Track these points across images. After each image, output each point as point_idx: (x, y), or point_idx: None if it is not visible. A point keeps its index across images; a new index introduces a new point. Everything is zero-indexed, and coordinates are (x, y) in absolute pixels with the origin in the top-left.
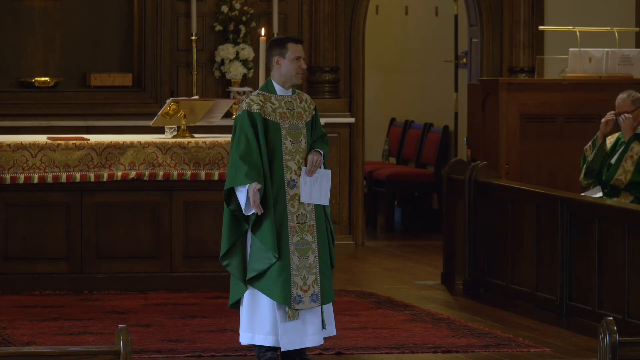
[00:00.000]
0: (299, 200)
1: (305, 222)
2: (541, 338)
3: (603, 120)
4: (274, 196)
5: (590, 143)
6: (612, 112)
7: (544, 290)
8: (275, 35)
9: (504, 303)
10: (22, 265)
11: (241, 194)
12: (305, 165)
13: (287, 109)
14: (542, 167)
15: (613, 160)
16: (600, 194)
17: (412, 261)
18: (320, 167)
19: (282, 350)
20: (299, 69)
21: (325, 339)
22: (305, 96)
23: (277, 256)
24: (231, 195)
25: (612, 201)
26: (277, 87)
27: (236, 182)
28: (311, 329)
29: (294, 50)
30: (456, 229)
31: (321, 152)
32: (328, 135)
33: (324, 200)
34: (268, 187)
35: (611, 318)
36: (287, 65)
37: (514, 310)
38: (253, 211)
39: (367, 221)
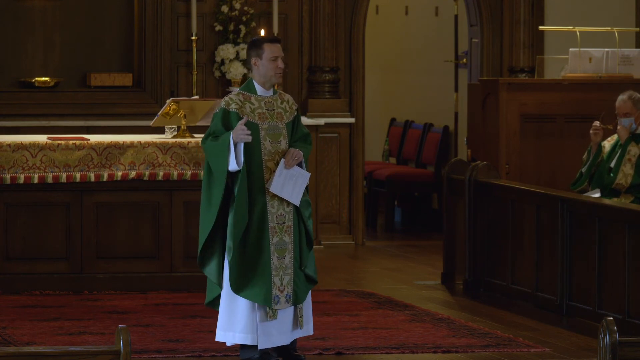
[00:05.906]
0: (279, 200)
1: (284, 223)
2: (541, 338)
3: (591, 131)
4: (253, 197)
5: (585, 153)
6: (596, 122)
7: (544, 290)
8: (275, 35)
9: (504, 303)
10: (22, 265)
11: (231, 155)
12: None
13: (267, 110)
14: (542, 167)
15: (612, 164)
16: (598, 195)
17: (412, 261)
18: (299, 162)
19: (259, 348)
20: (276, 69)
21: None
22: (287, 97)
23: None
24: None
25: (612, 201)
26: (257, 87)
27: (224, 147)
28: (283, 328)
29: (270, 50)
30: (456, 229)
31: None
32: (328, 135)
33: (295, 199)
34: (248, 189)
35: (611, 318)
36: (265, 66)
37: (514, 310)
38: (237, 167)
39: (367, 221)
